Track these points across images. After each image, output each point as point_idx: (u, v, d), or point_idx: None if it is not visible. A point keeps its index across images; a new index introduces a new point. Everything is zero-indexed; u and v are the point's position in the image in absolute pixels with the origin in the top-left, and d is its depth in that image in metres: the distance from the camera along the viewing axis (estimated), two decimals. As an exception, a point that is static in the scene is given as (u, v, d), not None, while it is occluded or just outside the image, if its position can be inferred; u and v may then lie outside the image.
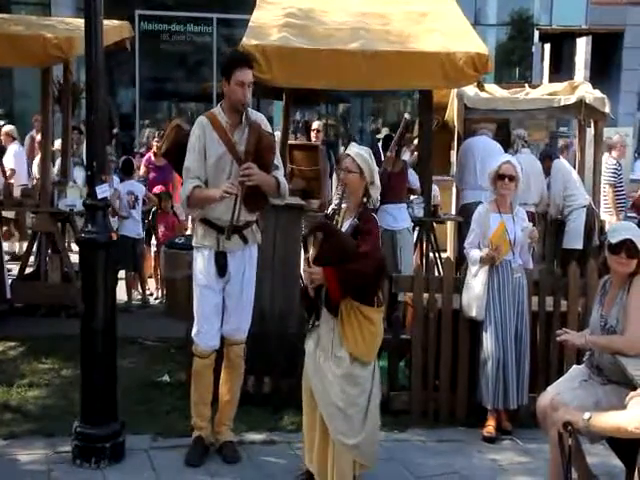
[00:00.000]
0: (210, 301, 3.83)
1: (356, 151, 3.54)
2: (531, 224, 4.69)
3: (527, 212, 4.87)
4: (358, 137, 15.08)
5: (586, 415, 2.79)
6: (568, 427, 2.81)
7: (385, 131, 8.86)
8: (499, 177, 4.38)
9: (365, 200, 3.52)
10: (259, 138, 3.69)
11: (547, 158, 7.39)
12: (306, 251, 3.47)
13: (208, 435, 3.97)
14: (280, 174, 3.84)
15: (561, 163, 7.19)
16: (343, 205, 3.50)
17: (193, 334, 3.91)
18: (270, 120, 4.22)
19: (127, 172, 7.30)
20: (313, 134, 8.71)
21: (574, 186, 6.95)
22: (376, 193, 3.56)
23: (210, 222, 3.81)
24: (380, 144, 7.65)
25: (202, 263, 3.84)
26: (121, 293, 7.13)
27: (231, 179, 3.70)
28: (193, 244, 3.93)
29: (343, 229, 3.47)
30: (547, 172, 7.21)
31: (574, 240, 6.81)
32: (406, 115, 6.63)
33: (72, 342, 4.77)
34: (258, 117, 3.83)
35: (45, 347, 5.53)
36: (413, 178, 6.39)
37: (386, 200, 6.01)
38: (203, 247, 3.85)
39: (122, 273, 6.89)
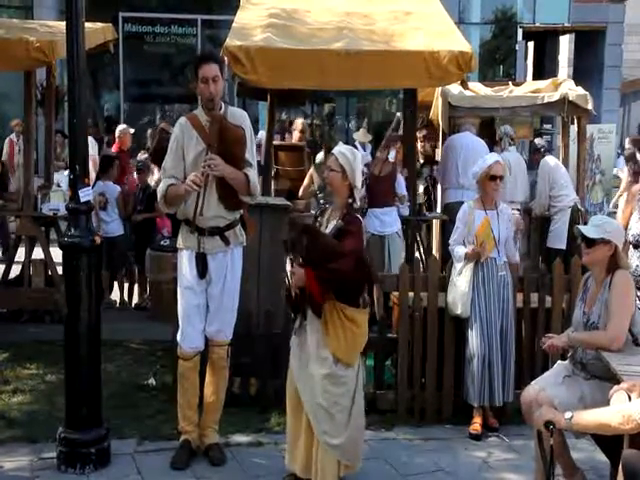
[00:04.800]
0: (191, 302, 3.81)
1: (340, 150, 3.56)
2: (516, 212, 4.64)
3: (513, 209, 4.87)
4: (343, 137, 15.07)
5: (568, 415, 2.79)
6: (550, 426, 2.81)
7: (362, 131, 8.55)
8: (491, 178, 4.37)
9: (350, 201, 3.52)
10: (222, 129, 3.67)
11: (537, 151, 7.25)
12: (286, 251, 3.47)
13: (195, 439, 3.95)
14: (252, 172, 3.77)
15: (548, 162, 7.00)
16: (328, 205, 3.50)
17: (177, 336, 3.90)
18: (256, 121, 4.18)
19: (103, 170, 7.07)
20: (296, 135, 7.78)
21: (562, 186, 6.82)
22: (358, 195, 3.56)
23: (190, 222, 3.79)
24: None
25: (184, 264, 3.83)
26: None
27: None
28: (177, 245, 3.92)
29: (328, 230, 3.46)
30: (535, 166, 7.10)
31: (557, 241, 6.80)
32: (398, 114, 6.56)
33: (56, 347, 4.76)
34: (236, 113, 3.82)
35: (29, 352, 5.49)
36: (400, 185, 6.29)
37: (372, 204, 5.99)
38: (185, 248, 3.84)
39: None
